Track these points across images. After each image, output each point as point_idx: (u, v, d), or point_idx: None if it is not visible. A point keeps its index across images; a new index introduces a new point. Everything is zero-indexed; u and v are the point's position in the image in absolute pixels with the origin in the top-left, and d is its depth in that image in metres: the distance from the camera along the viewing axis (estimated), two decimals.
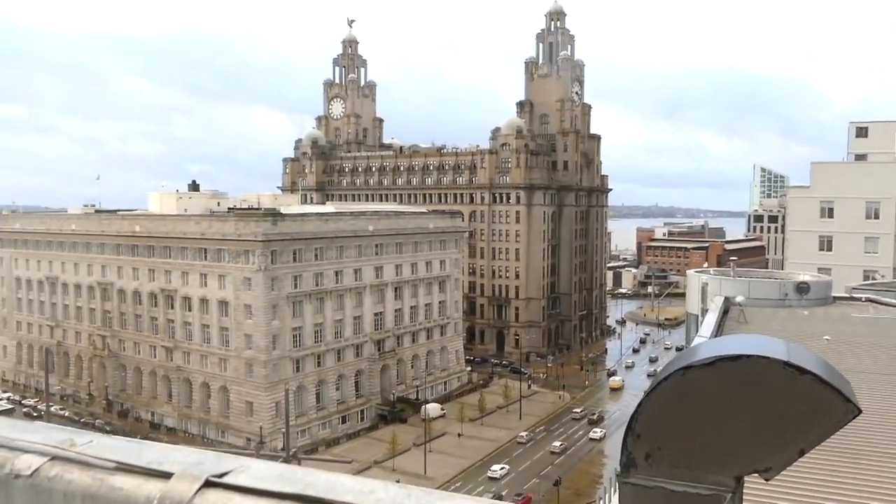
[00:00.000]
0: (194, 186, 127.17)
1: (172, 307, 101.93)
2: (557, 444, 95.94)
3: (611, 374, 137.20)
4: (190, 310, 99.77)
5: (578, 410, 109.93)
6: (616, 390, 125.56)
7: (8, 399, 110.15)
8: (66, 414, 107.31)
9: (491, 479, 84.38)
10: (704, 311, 33.55)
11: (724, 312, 33.02)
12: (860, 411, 1.92)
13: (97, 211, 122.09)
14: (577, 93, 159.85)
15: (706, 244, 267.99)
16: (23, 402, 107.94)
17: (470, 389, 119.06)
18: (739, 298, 33.14)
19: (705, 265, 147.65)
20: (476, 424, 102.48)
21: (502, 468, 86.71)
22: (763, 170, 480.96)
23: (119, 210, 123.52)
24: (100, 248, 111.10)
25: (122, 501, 1.74)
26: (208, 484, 1.72)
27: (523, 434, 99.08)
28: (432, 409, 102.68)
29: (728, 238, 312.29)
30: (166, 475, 1.75)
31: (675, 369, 2.01)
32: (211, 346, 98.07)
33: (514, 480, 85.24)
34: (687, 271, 42.96)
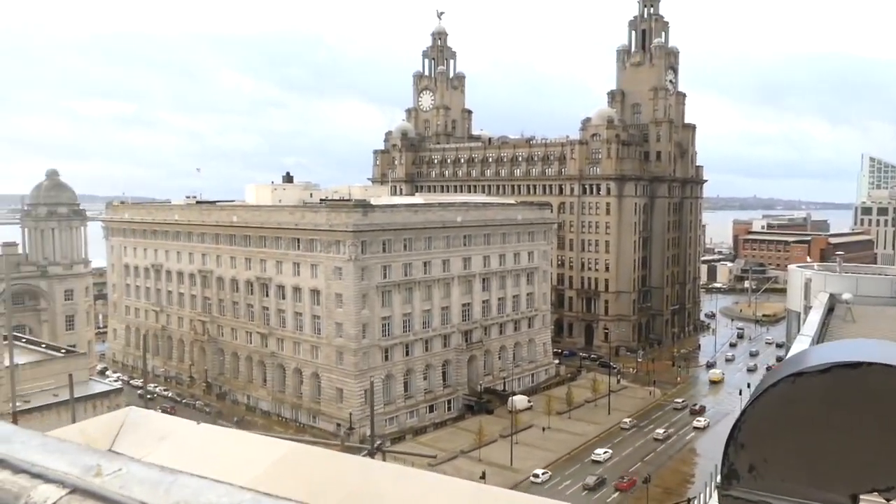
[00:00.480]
0: (288, 178, 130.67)
1: (267, 295, 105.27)
2: (661, 430, 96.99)
3: (710, 365, 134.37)
4: (283, 298, 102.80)
5: (680, 401, 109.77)
6: (715, 383, 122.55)
7: (117, 379, 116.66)
8: (170, 395, 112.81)
9: (594, 462, 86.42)
10: (807, 309, 31.95)
11: (829, 310, 31.33)
12: None
13: (198, 202, 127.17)
14: (671, 81, 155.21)
15: (808, 237, 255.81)
16: (130, 381, 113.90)
17: (557, 382, 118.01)
18: (846, 296, 31.40)
19: (808, 260, 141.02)
20: (563, 418, 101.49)
21: (605, 452, 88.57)
22: (872, 159, 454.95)
23: (218, 201, 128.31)
24: (200, 237, 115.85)
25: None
26: (75, 492, 1.56)
27: (627, 420, 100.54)
28: (519, 401, 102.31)
29: (832, 231, 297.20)
30: (56, 482, 1.54)
31: (785, 375, 1.83)
32: (303, 334, 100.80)
33: (618, 464, 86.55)
34: (788, 266, 41.01)
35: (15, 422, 36.49)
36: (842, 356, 1.80)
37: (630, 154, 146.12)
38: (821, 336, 26.93)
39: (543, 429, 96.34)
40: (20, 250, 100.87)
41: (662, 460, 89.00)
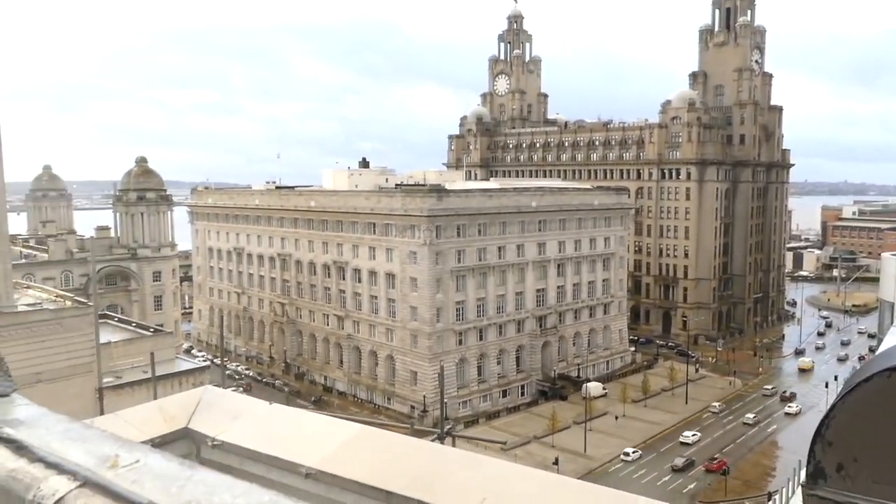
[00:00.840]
0: (364, 163, 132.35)
1: (344, 278, 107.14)
2: (751, 415, 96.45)
3: (798, 353, 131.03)
4: (359, 281, 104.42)
5: (770, 387, 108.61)
6: (805, 371, 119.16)
7: (203, 357, 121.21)
8: (251, 374, 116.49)
9: (682, 444, 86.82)
10: None
11: None
12: None
13: (277, 187, 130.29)
14: (756, 61, 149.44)
15: None
16: (214, 360, 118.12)
17: (633, 370, 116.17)
18: None
19: None
20: (639, 406, 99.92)
21: (694, 434, 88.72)
22: None
23: (296, 186, 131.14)
24: (279, 221, 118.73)
25: (12, 490, 1.53)
26: (85, 485, 1.53)
27: (716, 404, 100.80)
28: (594, 387, 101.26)
29: None
30: (69, 472, 1.49)
31: (879, 370, 1.69)
32: (378, 317, 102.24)
33: (707, 447, 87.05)
34: (881, 254, 38.99)
35: (101, 398, 38.39)
36: None
37: (712, 137, 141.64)
38: None
39: (616, 417, 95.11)
40: (112, 234, 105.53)
41: (742, 452, 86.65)
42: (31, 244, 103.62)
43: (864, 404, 1.70)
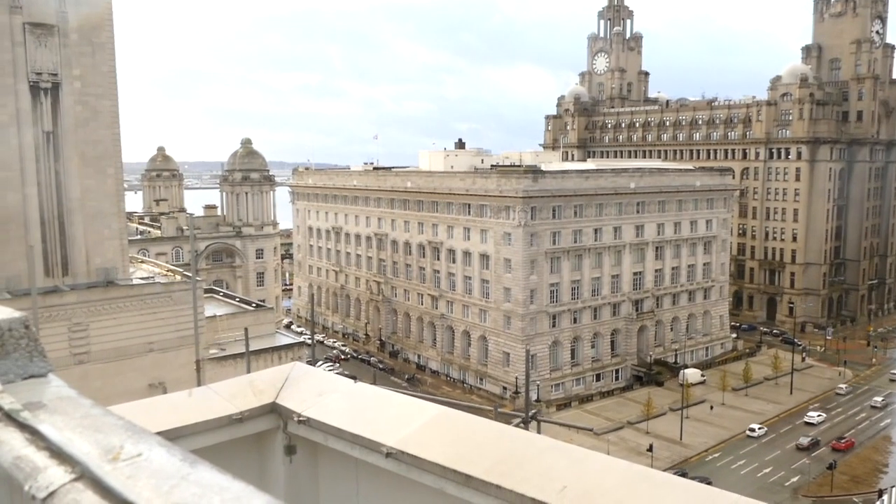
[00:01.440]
0: (460, 144, 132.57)
1: (438, 259, 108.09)
2: (879, 398, 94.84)
3: None
4: (454, 262, 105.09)
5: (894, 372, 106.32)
6: None
7: (301, 333, 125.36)
8: (347, 350, 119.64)
9: (808, 424, 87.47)
10: None
11: None
12: None
13: (375, 168, 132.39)
14: (877, 32, 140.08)
15: None
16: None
17: (734, 357, 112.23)
18: None
19: None
20: (739, 395, 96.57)
21: (819, 415, 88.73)
22: None
23: (393, 167, 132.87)
24: (376, 201, 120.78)
25: (16, 478, 1.54)
26: (79, 479, 1.55)
27: (842, 386, 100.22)
28: (692, 374, 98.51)
29: None
30: (71, 461, 1.49)
31: None
32: (472, 297, 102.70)
33: (832, 428, 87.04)
34: None
35: (198, 370, 40.28)
36: None
37: (825, 114, 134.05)
38: None
39: (711, 406, 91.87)
40: (219, 212, 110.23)
41: (840, 455, 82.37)
42: (145, 221, 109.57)
43: None
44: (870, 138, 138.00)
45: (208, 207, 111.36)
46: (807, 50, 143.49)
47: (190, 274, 50.20)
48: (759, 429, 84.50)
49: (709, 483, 74.99)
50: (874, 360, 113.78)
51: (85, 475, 1.62)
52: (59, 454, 1.71)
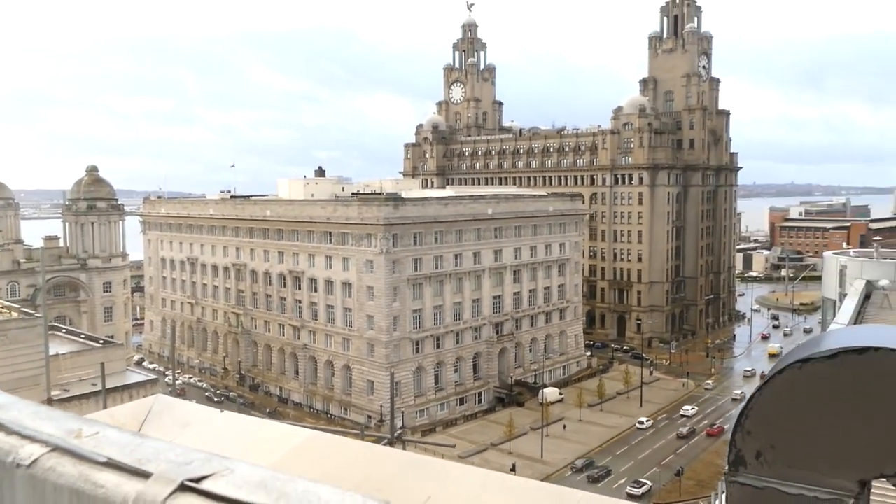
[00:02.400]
0: (320, 172, 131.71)
1: (300, 288, 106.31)
2: (738, 391, 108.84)
3: (765, 338, 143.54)
4: (316, 291, 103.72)
5: (709, 383, 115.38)
6: (773, 356, 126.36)
7: (154, 369, 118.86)
8: (204, 386, 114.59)
9: (683, 416, 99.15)
10: (842, 296, 31.44)
11: (866, 297, 30.76)
12: None
13: (232, 196, 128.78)
14: (704, 67, 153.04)
15: (847, 224, 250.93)
16: (166, 372, 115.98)
17: (589, 374, 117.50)
18: (884, 282, 30.85)
19: (846, 246, 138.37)
20: (595, 410, 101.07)
21: (693, 408, 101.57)
22: None
23: (252, 195, 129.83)
24: (234, 231, 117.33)
25: (101, 499, 1.75)
26: (183, 488, 1.71)
27: (709, 382, 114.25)
28: (550, 393, 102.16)
29: (873, 217, 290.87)
30: (146, 475, 1.76)
31: (792, 361, 1.85)
32: (335, 326, 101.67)
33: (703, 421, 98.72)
34: (824, 253, 40.35)
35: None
36: (850, 341, 1.80)
37: (662, 142, 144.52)
38: (856, 323, 26.45)
39: (564, 425, 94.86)
40: (61, 244, 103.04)
41: (696, 452, 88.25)
42: None
43: (779, 394, 1.86)
44: (701, 164, 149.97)
45: (49, 239, 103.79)
46: (644, 83, 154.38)
47: (28, 310, 46.51)
48: (647, 421, 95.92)
49: (608, 472, 79.70)
50: (713, 369, 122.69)
51: (58, 447, 1.92)
52: (29, 437, 2.02)
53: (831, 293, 34.50)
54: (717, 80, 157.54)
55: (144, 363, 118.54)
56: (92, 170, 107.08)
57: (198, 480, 1.70)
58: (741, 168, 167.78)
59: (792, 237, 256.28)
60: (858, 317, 27.77)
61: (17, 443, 2.00)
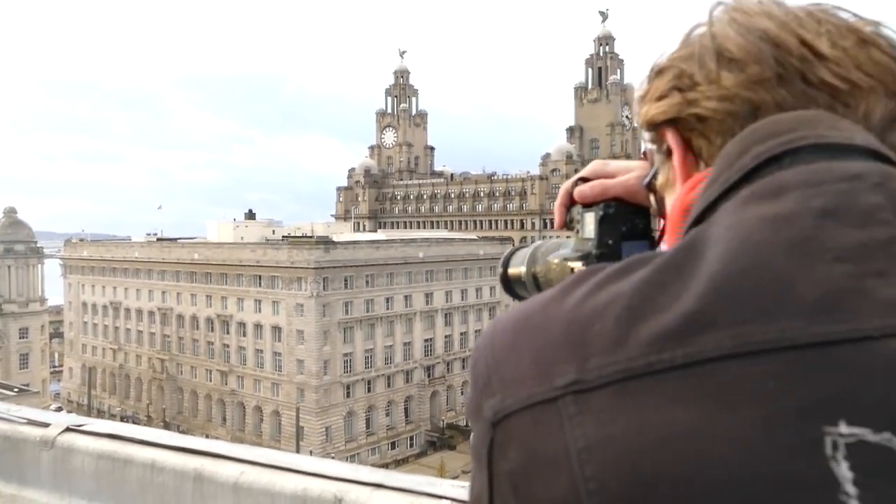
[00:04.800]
0: (250, 215, 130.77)
1: (228, 332, 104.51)
2: None
3: None
4: (244, 335, 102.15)
5: None
6: None
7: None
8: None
9: None
10: None
11: None
12: None
13: (159, 239, 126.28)
14: (626, 117, 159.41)
15: None
16: None
17: None
18: None
19: None
20: None
21: None
22: None
23: (179, 238, 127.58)
24: (160, 274, 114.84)
25: (24, 438, 2.78)
26: (68, 430, 2.62)
27: None
28: None
29: None
30: (46, 425, 2.68)
31: None
32: (264, 371, 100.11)
33: None
34: None
35: None
36: None
37: None
38: None
39: None
40: None
41: None
42: None
43: None
44: None
45: None
46: (571, 130, 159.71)
47: None
48: None
49: None
50: None
51: (69, 427, 2.81)
52: (43, 424, 2.95)
53: None
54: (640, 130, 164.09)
55: (62, 412, 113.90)
56: (10, 211, 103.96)
57: (79, 425, 2.62)
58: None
59: None
60: None
61: (37, 427, 3.03)
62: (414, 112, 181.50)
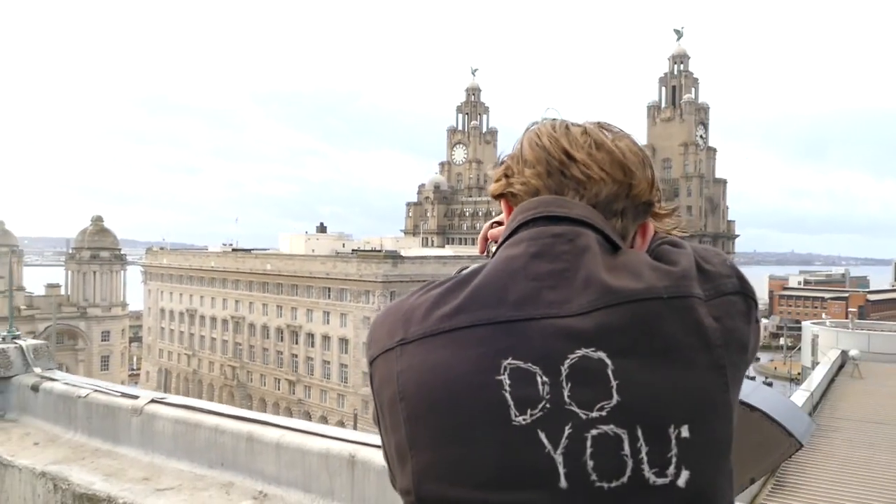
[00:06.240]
0: (322, 228, 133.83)
1: (297, 343, 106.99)
2: None
3: None
4: (312, 346, 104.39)
5: None
6: None
7: None
8: None
9: None
10: (815, 365, 32.48)
11: (840, 367, 31.80)
12: (801, 445, 2.10)
13: (234, 249, 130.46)
14: (701, 136, 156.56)
15: (846, 294, 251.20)
16: None
17: None
18: (854, 352, 31.90)
19: (824, 316, 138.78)
20: None
21: None
22: None
23: (253, 249, 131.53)
24: (234, 284, 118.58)
25: (120, 407, 3.65)
26: (153, 402, 3.58)
27: None
28: None
29: (873, 288, 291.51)
30: (136, 396, 3.72)
31: None
32: (330, 382, 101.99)
33: None
34: (803, 323, 41.52)
35: None
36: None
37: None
38: (825, 392, 27.55)
39: None
40: (62, 291, 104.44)
41: None
42: None
43: None
44: (698, 231, 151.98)
45: (50, 286, 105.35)
46: None
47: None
48: None
49: None
50: None
51: (154, 400, 3.74)
52: (134, 396, 3.92)
53: (808, 362, 35.56)
54: (714, 150, 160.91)
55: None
56: (97, 220, 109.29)
57: (161, 399, 3.56)
58: (738, 236, 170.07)
59: (791, 306, 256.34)
60: (830, 384, 28.80)
61: (127, 398, 4.04)
62: (484, 129, 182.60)
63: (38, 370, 4.26)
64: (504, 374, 1.11)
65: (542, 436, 1.09)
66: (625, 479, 1.08)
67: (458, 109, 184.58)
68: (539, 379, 1.11)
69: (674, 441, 1.10)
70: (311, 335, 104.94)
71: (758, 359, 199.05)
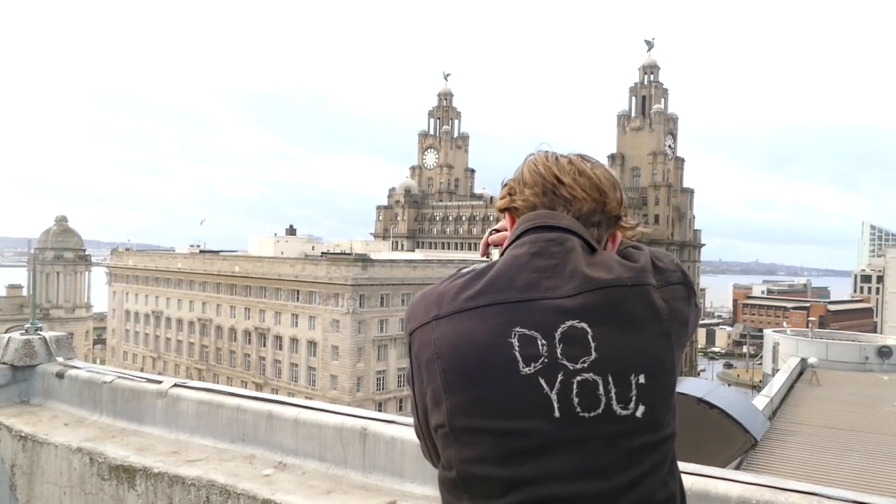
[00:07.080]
0: (291, 231, 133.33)
1: (265, 345, 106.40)
2: None
3: None
4: (280, 349, 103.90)
5: None
6: None
7: None
8: None
9: None
10: (776, 371, 33.45)
11: (800, 374, 32.82)
12: (756, 441, 2.50)
13: (201, 251, 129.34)
14: (669, 146, 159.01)
15: (807, 304, 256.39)
16: None
17: None
18: (812, 360, 32.93)
19: (784, 325, 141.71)
20: None
21: None
22: (872, 227, 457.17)
23: (221, 251, 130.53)
24: (202, 285, 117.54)
25: (145, 391, 4.13)
26: (176, 385, 4.04)
27: None
28: None
29: (833, 298, 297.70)
30: (160, 381, 4.06)
31: None
32: (298, 385, 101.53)
33: None
34: (764, 331, 42.63)
35: None
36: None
37: (630, 216, 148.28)
38: (784, 397, 28.48)
39: None
40: (23, 292, 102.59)
41: None
42: None
43: None
44: (665, 239, 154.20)
45: (11, 287, 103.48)
46: (612, 158, 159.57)
47: None
48: None
49: None
50: None
51: (177, 384, 4.22)
52: (158, 381, 4.38)
53: (768, 369, 36.55)
54: (682, 160, 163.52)
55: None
56: (61, 220, 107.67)
57: (182, 383, 4.05)
58: (704, 245, 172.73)
59: (754, 314, 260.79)
60: (788, 391, 29.74)
61: (151, 383, 4.53)
62: (456, 134, 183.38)
63: (60, 359, 4.55)
64: (514, 338, 1.63)
65: (542, 381, 1.60)
66: (599, 410, 1.60)
67: (430, 114, 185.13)
68: (539, 342, 1.62)
69: (634, 385, 1.63)
70: (279, 338, 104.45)
71: (730, 364, 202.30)
